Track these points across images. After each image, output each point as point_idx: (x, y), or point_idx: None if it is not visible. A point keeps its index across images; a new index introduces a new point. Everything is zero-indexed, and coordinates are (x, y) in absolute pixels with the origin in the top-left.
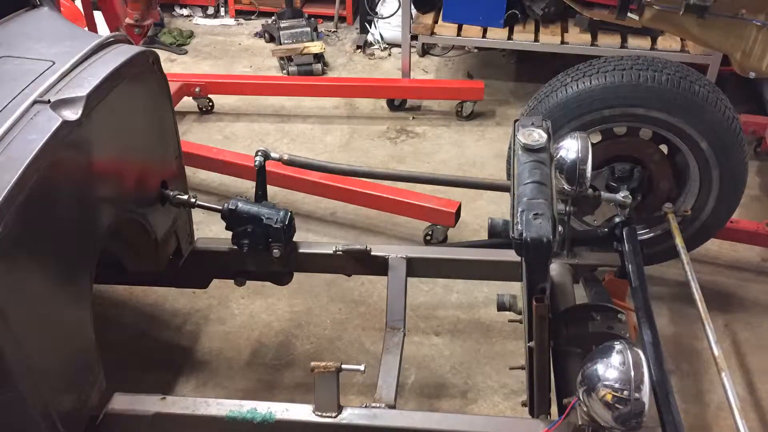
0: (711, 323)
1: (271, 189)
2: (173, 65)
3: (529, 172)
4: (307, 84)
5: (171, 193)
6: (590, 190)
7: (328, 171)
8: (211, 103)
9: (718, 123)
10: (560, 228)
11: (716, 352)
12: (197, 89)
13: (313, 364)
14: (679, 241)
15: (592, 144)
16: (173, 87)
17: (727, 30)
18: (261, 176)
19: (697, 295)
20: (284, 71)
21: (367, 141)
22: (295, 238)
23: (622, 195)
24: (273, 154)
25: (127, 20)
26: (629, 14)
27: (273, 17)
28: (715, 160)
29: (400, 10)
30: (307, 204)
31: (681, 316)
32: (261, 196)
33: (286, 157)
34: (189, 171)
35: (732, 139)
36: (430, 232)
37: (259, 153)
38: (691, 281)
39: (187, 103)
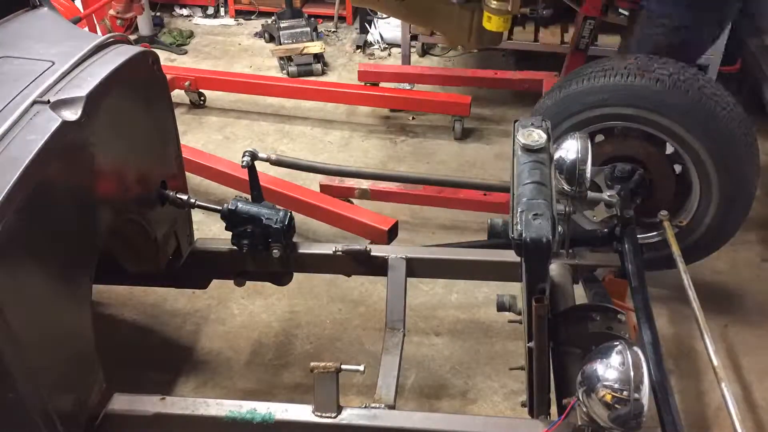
0: (709, 332)
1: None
2: (173, 65)
3: (528, 173)
4: (296, 87)
5: (171, 194)
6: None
7: (316, 171)
8: (203, 98)
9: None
10: (560, 228)
11: (715, 362)
12: (187, 83)
13: (312, 364)
14: (675, 249)
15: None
16: None
17: (430, 9)
18: (252, 176)
19: (695, 305)
20: (284, 71)
21: (367, 141)
22: (294, 239)
23: (608, 194)
24: (261, 155)
25: (111, 12)
26: None
27: (273, 17)
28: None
29: None
30: None
31: (681, 316)
32: (257, 196)
33: (273, 157)
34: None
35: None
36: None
37: (247, 153)
38: (688, 289)
39: (187, 101)
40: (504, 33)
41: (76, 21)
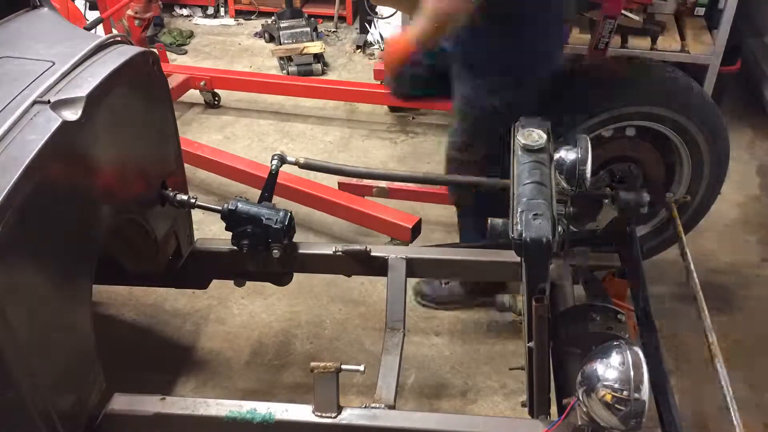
0: (705, 305)
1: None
2: (189, 65)
3: (528, 173)
4: (310, 85)
5: (171, 194)
6: (608, 189)
7: (344, 174)
8: (217, 98)
9: (706, 111)
10: (560, 228)
11: (711, 339)
12: (202, 83)
13: (312, 364)
14: (679, 230)
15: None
16: (178, 79)
17: None
18: (273, 179)
19: (694, 283)
20: (284, 71)
21: (366, 141)
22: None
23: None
24: (289, 158)
25: (129, 12)
26: None
27: (273, 17)
28: (706, 145)
29: None
30: None
31: (681, 316)
32: (267, 197)
33: (302, 160)
34: (189, 171)
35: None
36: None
37: (276, 157)
38: (690, 265)
39: (191, 97)
40: None
41: (99, 21)
